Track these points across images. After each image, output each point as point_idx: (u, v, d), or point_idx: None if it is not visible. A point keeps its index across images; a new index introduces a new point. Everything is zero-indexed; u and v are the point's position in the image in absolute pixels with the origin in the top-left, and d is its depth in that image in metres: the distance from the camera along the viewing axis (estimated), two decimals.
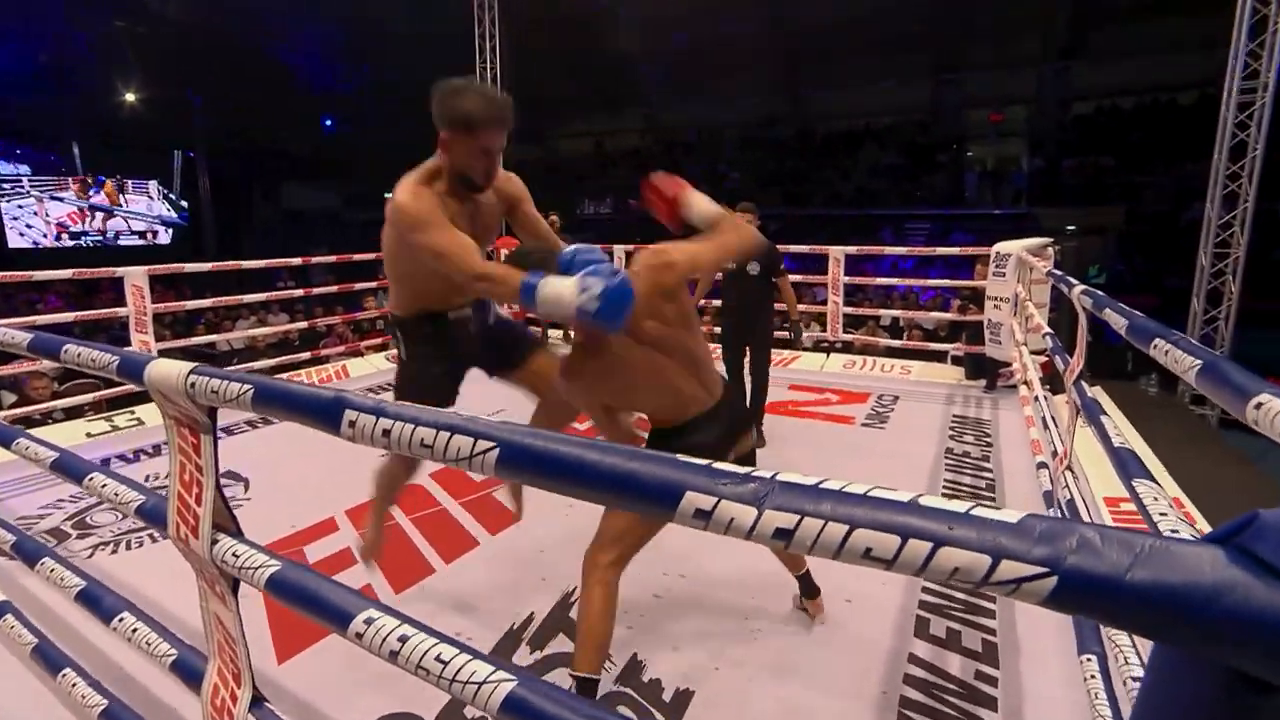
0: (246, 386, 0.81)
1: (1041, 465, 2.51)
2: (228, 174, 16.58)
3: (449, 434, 0.62)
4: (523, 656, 2.01)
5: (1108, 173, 12.88)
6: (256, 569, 0.86)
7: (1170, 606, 0.33)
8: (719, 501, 0.46)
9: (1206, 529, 2.37)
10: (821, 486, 0.44)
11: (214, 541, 0.93)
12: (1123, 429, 3.45)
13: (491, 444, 0.59)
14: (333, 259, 5.74)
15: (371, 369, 5.67)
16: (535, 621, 2.17)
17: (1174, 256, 9.90)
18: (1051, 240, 4.15)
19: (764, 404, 3.75)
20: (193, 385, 0.87)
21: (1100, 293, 1.56)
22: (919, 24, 13.92)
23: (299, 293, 5.64)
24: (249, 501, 3.06)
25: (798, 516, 0.43)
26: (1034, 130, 14.73)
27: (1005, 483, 3.16)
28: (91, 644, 1.95)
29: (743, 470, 0.47)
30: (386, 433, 0.67)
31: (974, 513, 0.40)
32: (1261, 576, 0.32)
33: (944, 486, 3.17)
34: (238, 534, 0.96)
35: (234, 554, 0.90)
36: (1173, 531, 0.85)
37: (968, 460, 3.47)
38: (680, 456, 0.51)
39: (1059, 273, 2.62)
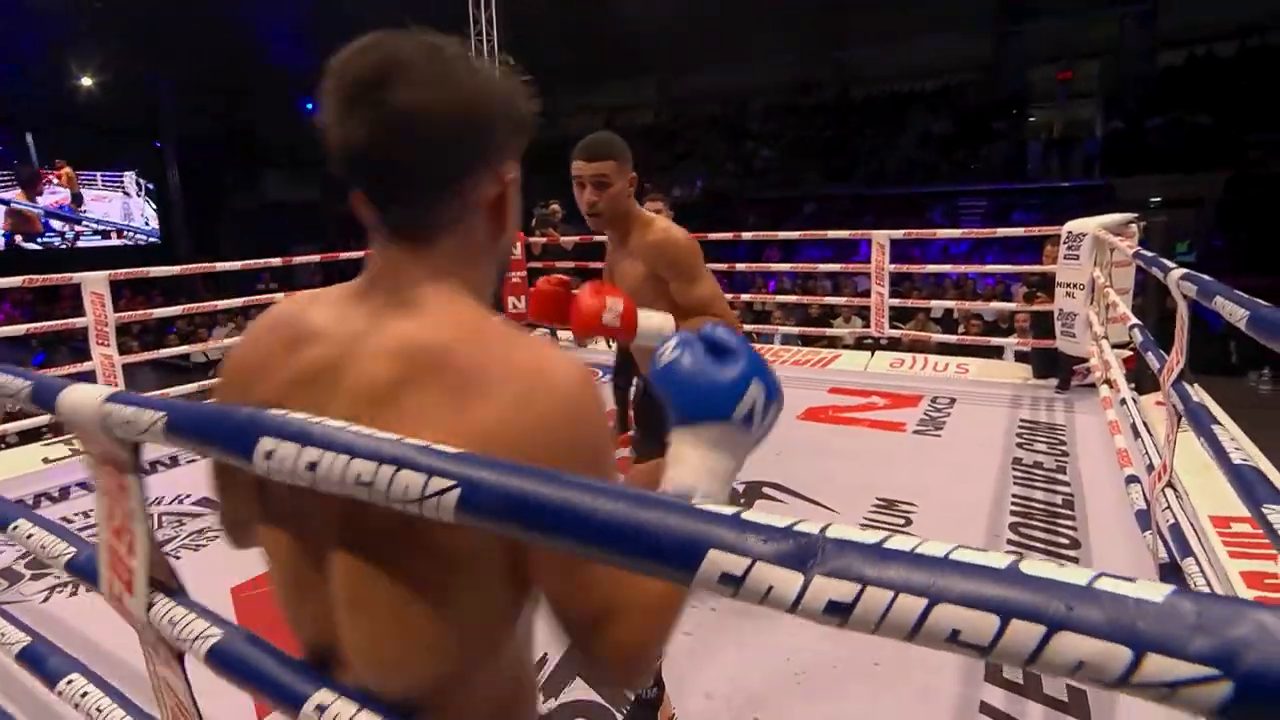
0: (160, 414, 0.75)
1: (1132, 479, 2.40)
2: (200, 164, 16.77)
3: (393, 469, 0.55)
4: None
5: (1203, 133, 12.38)
6: (196, 639, 0.81)
7: None
8: (753, 564, 0.39)
9: None
10: (886, 545, 0.37)
11: (150, 604, 0.88)
12: (1236, 438, 3.30)
13: (450, 482, 0.52)
14: (317, 257, 5.76)
15: None
16: (549, 664, 2.12)
17: None
18: (1136, 215, 4.01)
19: None
20: (108, 415, 0.82)
21: (1207, 277, 1.46)
22: None
23: (280, 296, 5.66)
24: (201, 549, 3.04)
25: (858, 586, 0.36)
26: (1111, 86, 14.33)
27: (1087, 500, 3.05)
28: (46, 705, 1.94)
29: (782, 523, 0.41)
30: (312, 466, 0.59)
31: (1100, 585, 0.32)
32: None
33: (1012, 503, 3.07)
34: (178, 591, 0.91)
35: (170, 620, 0.85)
36: None
37: (1039, 472, 3.36)
38: (701, 504, 0.44)
39: (1149, 253, 2.50)
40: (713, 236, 5.62)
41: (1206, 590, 1.43)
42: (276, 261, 5.10)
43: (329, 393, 0.63)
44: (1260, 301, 1.10)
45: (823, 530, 0.39)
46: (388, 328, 0.63)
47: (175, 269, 5.08)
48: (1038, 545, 2.71)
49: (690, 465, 0.57)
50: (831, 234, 6.32)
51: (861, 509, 3.06)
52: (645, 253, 1.72)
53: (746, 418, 0.59)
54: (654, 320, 1.54)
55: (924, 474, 3.43)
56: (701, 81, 18.66)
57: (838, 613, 0.37)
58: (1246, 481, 1.07)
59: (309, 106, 19.87)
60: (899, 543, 0.38)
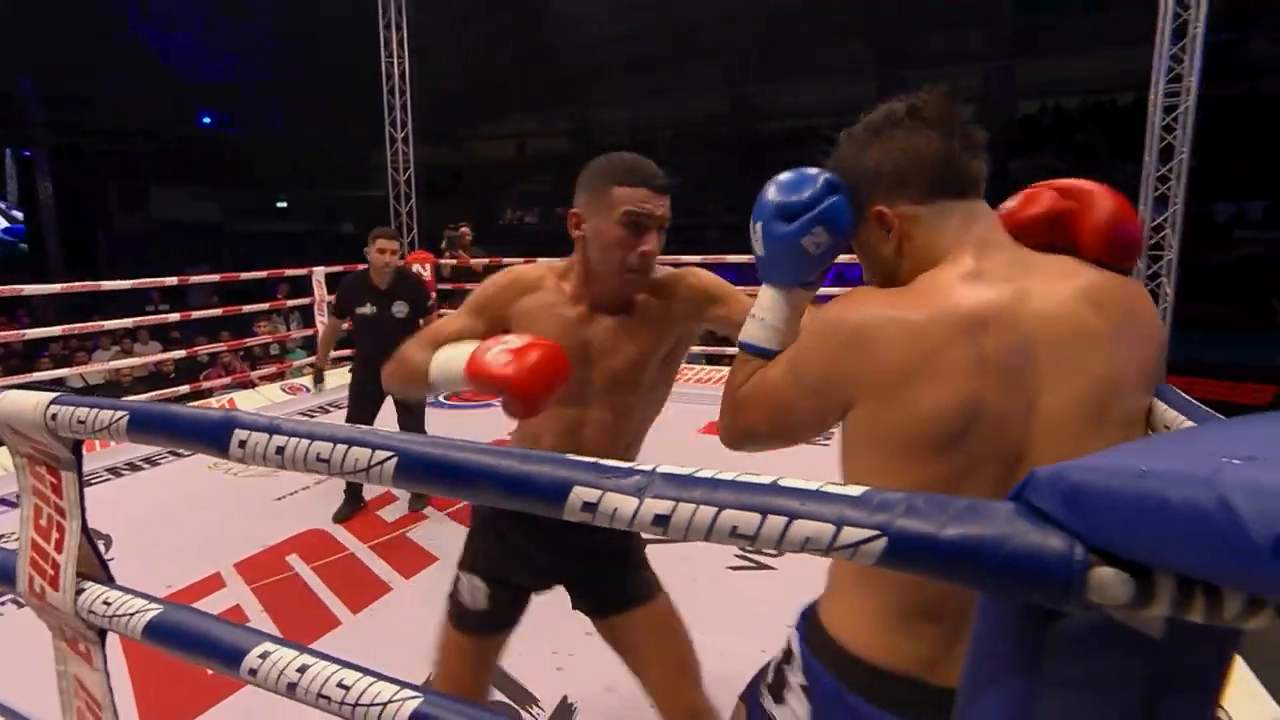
0: (120, 413, 0.84)
1: None
2: (77, 177, 15.60)
3: (346, 446, 0.68)
4: None
5: (1055, 174, 13.87)
6: (133, 615, 0.88)
7: (973, 555, 0.43)
8: (603, 494, 0.54)
9: None
10: (696, 475, 0.53)
11: (79, 591, 0.94)
12: None
13: (389, 453, 0.66)
14: (215, 278, 5.57)
15: (264, 401, 5.51)
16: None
17: None
18: None
19: None
20: (54, 417, 0.89)
21: None
22: (860, 18, 14.73)
23: (173, 317, 5.44)
24: (112, 562, 2.91)
25: (673, 503, 0.52)
26: (980, 130, 15.77)
27: None
28: None
29: (628, 465, 0.56)
30: (280, 450, 0.72)
31: (824, 489, 0.49)
32: (1035, 522, 0.42)
33: None
34: (108, 580, 0.98)
35: (104, 602, 0.92)
36: None
37: None
38: (572, 456, 0.59)
39: None
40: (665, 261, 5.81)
41: None
42: (170, 281, 4.91)
43: None
44: None
45: (654, 469, 0.55)
46: None
47: (53, 288, 4.80)
48: None
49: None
50: (731, 258, 6.65)
51: None
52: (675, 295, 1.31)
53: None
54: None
55: (816, 478, 3.68)
56: (611, 113, 19.11)
57: (661, 523, 0.52)
58: None
59: (207, 120, 18.65)
60: (704, 474, 0.54)
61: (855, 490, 0.49)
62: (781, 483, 0.51)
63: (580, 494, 0.55)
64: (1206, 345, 6.93)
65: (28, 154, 14.66)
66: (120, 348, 7.67)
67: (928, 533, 0.45)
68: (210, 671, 0.82)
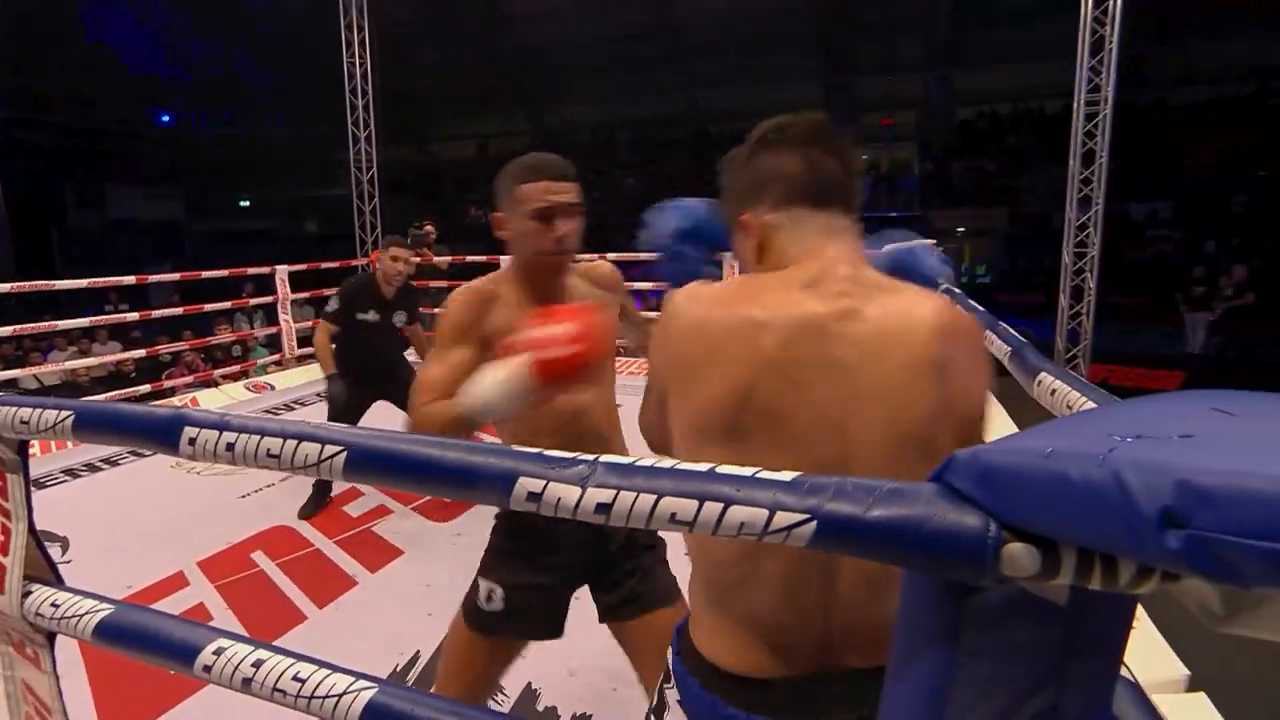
0: (65, 413, 0.80)
1: None
2: (29, 173, 14.85)
3: (296, 441, 0.66)
4: None
5: (991, 175, 14.33)
6: (82, 616, 0.85)
7: (897, 535, 0.44)
8: (547, 484, 0.54)
9: None
10: (638, 464, 0.53)
11: (25, 594, 0.90)
12: (1003, 423, 3.87)
13: (339, 448, 0.64)
14: (176, 276, 5.38)
15: (227, 399, 5.34)
16: (421, 660, 2.16)
17: (1051, 255, 11.23)
18: (934, 241, 4.57)
19: None
20: None
21: (957, 291, 1.78)
22: (808, 26, 14.90)
23: (133, 316, 5.23)
24: (69, 564, 2.82)
25: (614, 492, 0.51)
26: (923, 134, 16.13)
27: None
28: None
29: (572, 456, 0.56)
30: (230, 446, 0.70)
31: (759, 475, 0.50)
32: (954, 502, 0.43)
33: None
34: (57, 582, 0.94)
35: (52, 604, 0.88)
36: None
37: None
38: (518, 448, 0.59)
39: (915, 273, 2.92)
40: (580, 257, 5.80)
41: None
42: (128, 280, 4.72)
43: None
44: (978, 307, 1.39)
45: (597, 459, 0.55)
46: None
47: (4, 286, 4.57)
48: None
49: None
50: None
51: None
52: (594, 283, 1.41)
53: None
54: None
55: None
56: (570, 114, 18.99)
57: (603, 511, 0.52)
58: None
59: (165, 119, 17.91)
60: (645, 463, 0.54)
61: (788, 476, 0.49)
62: (719, 469, 0.51)
63: (525, 484, 0.55)
64: (1122, 335, 7.22)
65: None
66: (78, 348, 7.35)
67: (855, 515, 0.46)
68: (171, 671, 0.79)
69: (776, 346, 0.69)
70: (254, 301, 5.99)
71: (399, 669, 2.13)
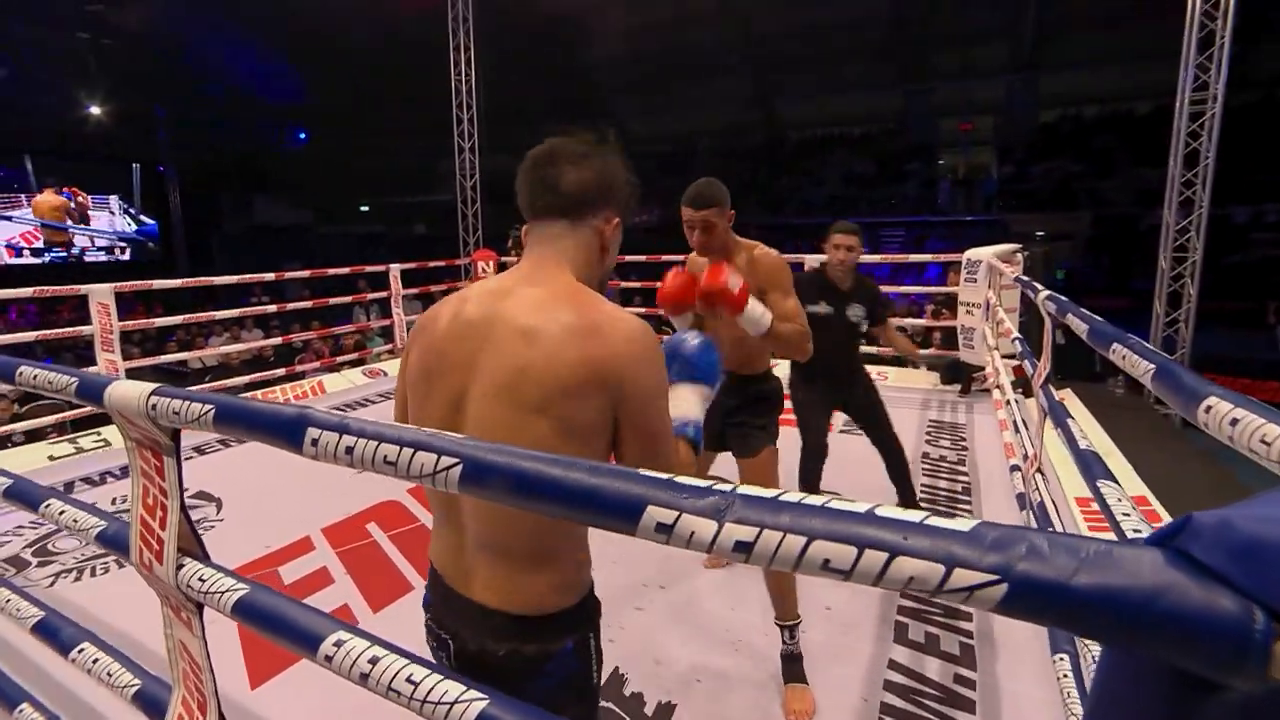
0: (208, 407, 0.79)
1: (1015, 468, 2.55)
2: (197, 188, 16.31)
3: (412, 450, 0.61)
4: None
5: (1074, 179, 13.25)
6: (223, 593, 0.84)
7: (1112, 609, 0.34)
8: (680, 516, 0.46)
9: None
10: (781, 499, 0.44)
11: (179, 566, 0.91)
12: (1090, 430, 3.53)
13: (455, 460, 0.59)
14: (306, 274, 5.67)
15: (347, 384, 5.59)
16: None
17: (1139, 259, 10.22)
18: (1020, 246, 4.24)
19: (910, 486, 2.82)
20: (154, 407, 0.85)
21: (1064, 298, 1.60)
22: (886, 34, 14.21)
23: (272, 308, 5.55)
24: (222, 523, 3.00)
25: (757, 529, 0.43)
26: (1002, 138, 15.09)
27: (981, 486, 3.20)
28: (51, 677, 1.89)
29: (704, 483, 0.48)
30: (350, 450, 0.66)
31: (928, 522, 0.40)
32: (1196, 577, 0.33)
33: (922, 490, 3.20)
34: (204, 558, 0.94)
35: (200, 579, 0.88)
36: (1135, 531, 0.87)
37: (944, 464, 3.50)
38: (644, 471, 0.51)
39: (1025, 278, 2.68)
40: (665, 258, 5.72)
41: None
42: (269, 276, 4.99)
43: None
44: (1097, 318, 1.22)
45: (734, 490, 0.47)
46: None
47: (175, 281, 4.94)
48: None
49: (691, 404, 0.99)
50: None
51: None
52: (752, 269, 1.82)
53: (714, 386, 1.04)
54: (759, 307, 1.68)
55: (847, 468, 3.51)
56: (653, 125, 18.91)
57: (743, 550, 0.44)
58: (1086, 462, 1.18)
59: (301, 136, 19.18)
60: (789, 497, 0.45)
61: (963, 525, 0.40)
62: (879, 512, 0.42)
63: (654, 514, 0.47)
64: (1221, 343, 6.46)
65: (162, 169, 15.34)
66: (230, 334, 7.90)
67: (1056, 580, 0.36)
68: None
69: (439, 338, 0.90)
70: (371, 296, 6.23)
71: None
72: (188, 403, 0.82)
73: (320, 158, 18.57)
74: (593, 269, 0.93)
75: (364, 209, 20.67)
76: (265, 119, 16.67)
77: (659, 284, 1.75)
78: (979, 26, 13.51)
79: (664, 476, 0.50)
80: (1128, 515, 0.92)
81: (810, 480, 2.81)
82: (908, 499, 2.78)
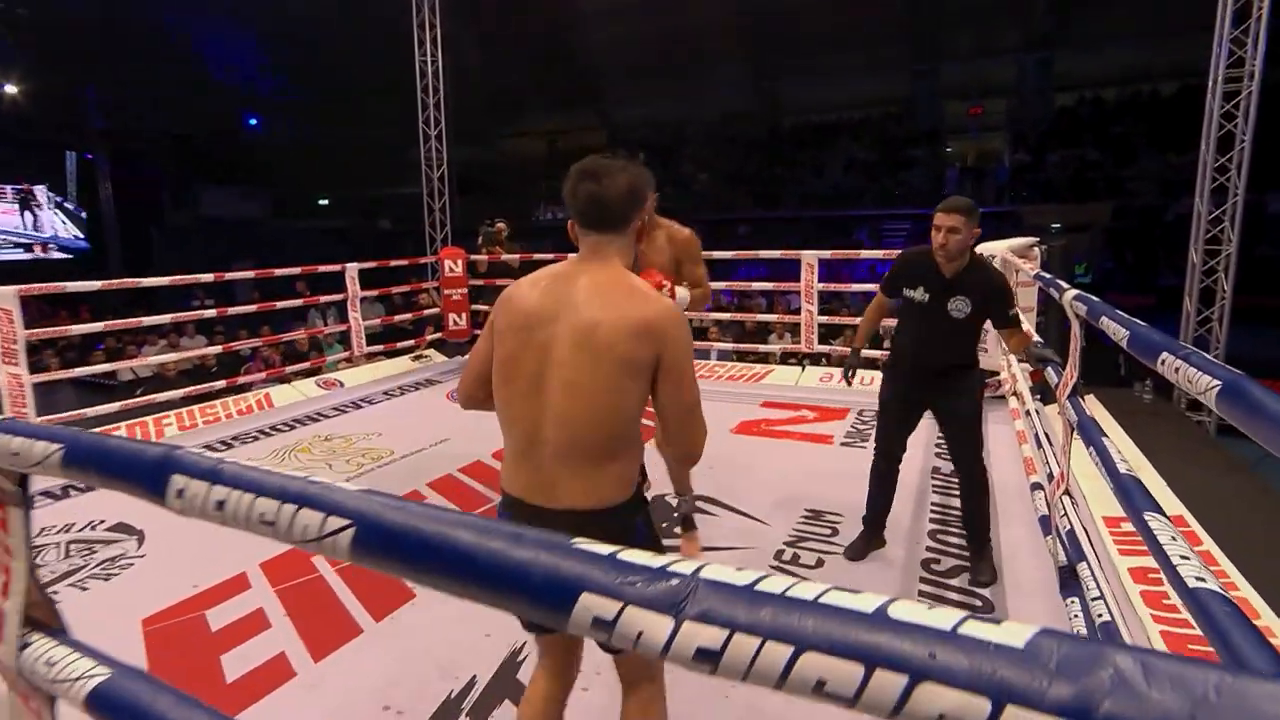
0: (56, 446, 0.69)
1: (1036, 486, 2.48)
2: (133, 178, 15.94)
3: (295, 507, 0.51)
4: None
5: (1092, 167, 13.32)
6: (75, 681, 0.73)
7: None
8: (624, 607, 0.36)
9: (1216, 554, 2.37)
10: (758, 588, 0.35)
11: (24, 645, 0.79)
12: (1119, 442, 3.48)
13: (345, 521, 0.48)
14: (251, 274, 5.53)
15: (298, 396, 5.45)
16: (477, 687, 2.04)
17: (1165, 253, 10.22)
18: (1037, 240, 4.18)
19: (984, 524, 2.60)
20: None
21: (1095, 299, 1.52)
22: (892, 12, 14.26)
23: (211, 312, 5.39)
24: (142, 560, 2.85)
25: (726, 631, 0.33)
26: (1015, 123, 15.16)
27: (997, 505, 3.13)
28: None
29: (659, 565, 0.38)
30: (221, 505, 0.56)
31: (964, 630, 0.31)
32: None
33: (931, 511, 3.13)
34: (59, 631, 0.83)
35: (49, 661, 0.77)
36: (1197, 580, 0.79)
37: (956, 480, 3.43)
38: (580, 542, 0.41)
39: (1048, 275, 2.61)
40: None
41: (1098, 591, 1.47)
42: (206, 277, 4.84)
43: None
44: (1138, 322, 1.14)
45: (696, 571, 0.37)
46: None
47: (93, 284, 4.76)
48: (952, 552, 2.77)
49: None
50: (764, 254, 6.42)
51: (790, 521, 3.08)
52: (670, 242, 2.52)
53: None
54: (684, 294, 2.14)
55: (850, 485, 3.41)
56: (639, 111, 18.86)
57: (707, 660, 0.34)
58: (1129, 491, 1.10)
59: (252, 122, 18.87)
60: (772, 584, 0.35)
61: (1014, 634, 0.30)
62: (896, 612, 0.32)
63: (590, 604, 0.37)
64: (1258, 341, 6.44)
65: (90, 157, 14.95)
66: (168, 342, 7.70)
67: None
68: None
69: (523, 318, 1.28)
70: (324, 299, 6.09)
71: (453, 696, 2.01)
72: (32, 441, 0.71)
73: (276, 145, 18.34)
74: (631, 256, 1.34)
75: (324, 202, 20.45)
76: (214, 102, 16.37)
77: None
78: (990, 2, 13.58)
79: (604, 551, 0.40)
80: (1186, 559, 0.83)
81: (871, 507, 2.76)
82: (977, 552, 2.57)
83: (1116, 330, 1.16)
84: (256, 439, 4.50)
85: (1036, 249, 4.11)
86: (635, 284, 1.26)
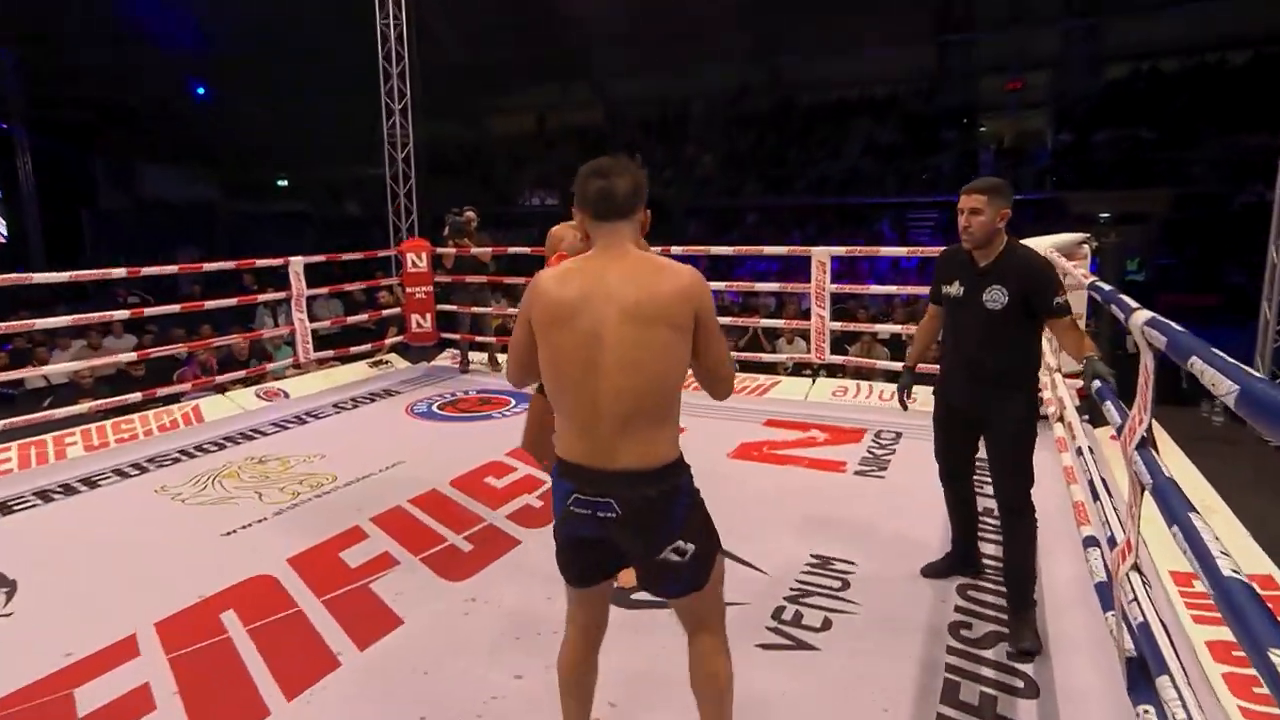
0: None
1: (1090, 542, 2.27)
2: (59, 153, 15.53)
3: None
4: None
5: (1148, 148, 13.01)
6: None
7: None
8: None
9: None
10: None
11: None
12: (1185, 476, 3.26)
13: None
14: (174, 269, 5.31)
15: (234, 409, 5.26)
16: None
17: (1234, 247, 9.92)
18: (1087, 235, 3.97)
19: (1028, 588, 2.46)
20: None
21: (1177, 327, 1.30)
22: None
23: (121, 314, 5.16)
24: (8, 619, 2.64)
25: None
26: (1059, 99, 14.90)
27: (1041, 559, 2.88)
28: None
29: None
30: None
31: None
32: None
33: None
34: None
35: None
36: None
37: (990, 521, 3.18)
38: None
39: (1106, 288, 2.41)
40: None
41: (1178, 701, 1.26)
42: (119, 272, 4.61)
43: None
44: (1251, 372, 0.92)
45: None
46: None
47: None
48: (988, 615, 2.56)
49: None
50: (769, 250, 6.22)
51: (793, 569, 2.89)
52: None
53: None
54: None
55: (865, 525, 3.29)
56: (638, 85, 18.64)
57: None
58: (1238, 606, 0.88)
59: (201, 92, 18.50)
60: None
61: None
62: None
63: None
64: None
65: (8, 128, 14.57)
66: (88, 343, 7.46)
67: None
68: None
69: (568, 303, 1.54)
70: (262, 298, 5.88)
71: None
72: None
73: (228, 118, 18.05)
74: (640, 245, 1.64)
75: (283, 183, 20.24)
76: (155, 66, 16.03)
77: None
78: None
79: None
80: None
81: (952, 532, 2.84)
82: (1017, 612, 2.42)
83: (1218, 382, 0.95)
84: (178, 460, 4.30)
85: (1086, 246, 3.91)
86: (655, 260, 1.57)
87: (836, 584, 2.78)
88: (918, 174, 15.34)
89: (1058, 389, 3.47)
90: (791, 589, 2.74)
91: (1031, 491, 2.44)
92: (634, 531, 1.50)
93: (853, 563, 2.93)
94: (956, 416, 2.59)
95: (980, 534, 2.91)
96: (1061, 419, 3.41)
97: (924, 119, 16.09)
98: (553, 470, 1.60)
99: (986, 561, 2.88)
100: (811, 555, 2.99)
